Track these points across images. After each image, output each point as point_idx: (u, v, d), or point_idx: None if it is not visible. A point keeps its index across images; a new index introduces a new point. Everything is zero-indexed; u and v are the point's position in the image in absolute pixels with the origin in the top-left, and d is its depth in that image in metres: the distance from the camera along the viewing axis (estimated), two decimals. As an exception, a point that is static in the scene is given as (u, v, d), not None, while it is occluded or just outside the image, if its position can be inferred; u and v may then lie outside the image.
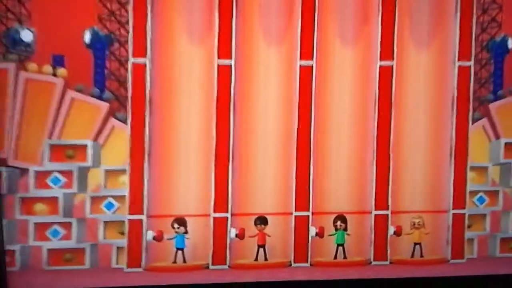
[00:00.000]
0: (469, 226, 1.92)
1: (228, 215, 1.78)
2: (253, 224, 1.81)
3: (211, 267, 1.76)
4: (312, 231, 1.81)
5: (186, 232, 1.75)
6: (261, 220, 1.82)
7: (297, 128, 1.76)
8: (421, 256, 1.90)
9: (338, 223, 1.87)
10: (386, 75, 1.80)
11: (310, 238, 1.81)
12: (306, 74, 1.75)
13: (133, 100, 1.69)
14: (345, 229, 1.87)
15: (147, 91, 1.71)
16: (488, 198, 1.91)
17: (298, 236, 1.81)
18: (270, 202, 1.80)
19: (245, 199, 1.80)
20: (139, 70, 1.68)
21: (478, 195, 1.92)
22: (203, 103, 1.75)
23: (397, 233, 1.88)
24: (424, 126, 1.86)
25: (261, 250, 1.82)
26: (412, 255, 1.90)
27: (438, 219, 1.91)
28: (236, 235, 1.78)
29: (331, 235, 1.87)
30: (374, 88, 1.81)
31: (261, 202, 1.80)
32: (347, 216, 1.86)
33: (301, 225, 1.80)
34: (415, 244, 1.90)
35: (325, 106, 1.81)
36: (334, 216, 1.85)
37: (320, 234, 1.81)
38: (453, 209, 1.90)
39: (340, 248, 1.86)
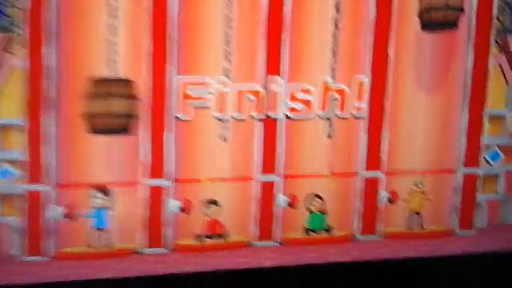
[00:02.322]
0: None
1: (169, 182, 1.37)
2: (203, 208, 1.42)
3: (144, 250, 1.37)
4: (282, 200, 1.43)
5: (108, 207, 1.30)
6: (212, 202, 1.42)
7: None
8: (422, 227, 1.55)
9: (314, 202, 1.48)
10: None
11: (278, 210, 1.45)
12: None
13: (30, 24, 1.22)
14: (323, 210, 1.49)
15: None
16: (503, 154, 1.56)
17: (263, 207, 1.43)
18: (225, 164, 1.40)
19: (191, 161, 1.38)
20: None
21: (492, 150, 1.56)
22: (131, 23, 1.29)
23: (392, 199, 1.51)
24: (429, 59, 1.47)
25: (214, 228, 1.41)
26: (410, 227, 1.55)
27: (443, 182, 1.55)
28: (181, 209, 1.37)
29: (310, 213, 1.49)
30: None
31: (212, 164, 1.39)
32: (328, 181, 1.47)
33: (267, 192, 1.43)
34: (414, 213, 1.55)
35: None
36: (310, 180, 1.46)
37: (293, 204, 1.44)
38: (464, 167, 1.54)
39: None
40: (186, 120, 1.33)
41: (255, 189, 1.41)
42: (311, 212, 1.46)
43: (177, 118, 1.33)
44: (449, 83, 1.48)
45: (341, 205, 1.48)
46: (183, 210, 1.38)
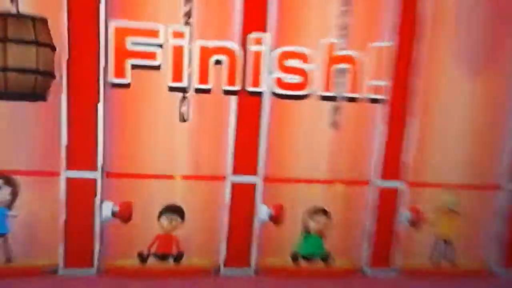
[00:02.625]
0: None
1: (98, 174, 0.99)
2: (157, 217, 1.05)
3: (62, 271, 1.00)
4: (263, 211, 1.06)
5: (11, 205, 0.92)
6: (174, 211, 1.05)
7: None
8: (451, 261, 1.17)
9: (316, 218, 1.12)
10: None
11: (257, 225, 1.06)
12: None
13: None
14: (322, 232, 1.12)
15: None
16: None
17: (236, 221, 1.05)
18: (184, 155, 1.02)
19: (134, 147, 1.00)
20: None
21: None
22: None
23: (414, 221, 1.14)
24: (475, 23, 1.08)
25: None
26: (436, 260, 1.17)
27: (483, 200, 1.16)
28: (114, 214, 1.00)
29: (305, 233, 1.12)
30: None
31: (164, 154, 1.01)
32: (328, 190, 1.10)
33: (243, 199, 1.05)
34: (442, 240, 1.17)
35: None
36: (303, 187, 1.07)
37: (276, 217, 1.07)
38: (513, 182, 1.17)
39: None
40: (126, 88, 0.94)
41: (226, 194, 1.04)
42: (306, 232, 1.10)
43: (113, 84, 0.94)
44: (499, 62, 1.09)
45: (345, 224, 1.11)
46: (119, 216, 0.98)
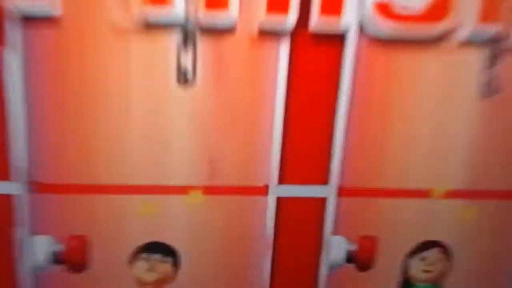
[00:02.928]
0: None
1: (18, 187, 0.54)
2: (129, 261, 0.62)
3: None
4: (337, 247, 0.61)
5: None
6: (162, 250, 0.63)
7: None
8: None
9: (427, 257, 0.71)
10: None
11: (325, 271, 0.62)
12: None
13: None
14: (437, 279, 0.71)
15: None
16: None
17: (286, 263, 0.61)
18: (181, 149, 0.56)
19: (79, 144, 0.54)
20: None
21: None
22: None
23: None
24: None
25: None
26: None
27: None
28: (55, 257, 0.57)
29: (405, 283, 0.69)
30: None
31: (153, 151, 0.55)
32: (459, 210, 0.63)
33: (300, 226, 0.60)
34: None
35: None
36: (400, 202, 0.62)
37: (362, 257, 0.62)
38: None
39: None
40: (56, 25, 0.46)
41: (268, 218, 0.59)
42: (409, 281, 0.67)
43: (30, 16, 0.46)
44: None
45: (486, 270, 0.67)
46: (65, 259, 0.55)
